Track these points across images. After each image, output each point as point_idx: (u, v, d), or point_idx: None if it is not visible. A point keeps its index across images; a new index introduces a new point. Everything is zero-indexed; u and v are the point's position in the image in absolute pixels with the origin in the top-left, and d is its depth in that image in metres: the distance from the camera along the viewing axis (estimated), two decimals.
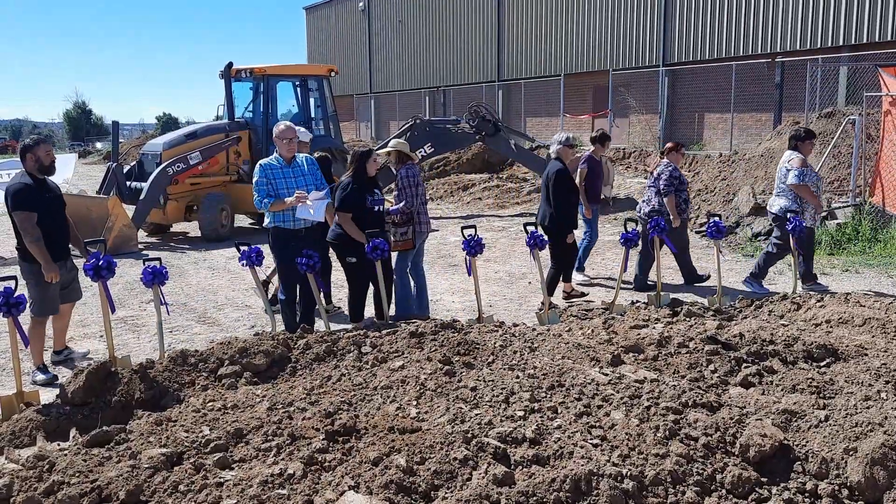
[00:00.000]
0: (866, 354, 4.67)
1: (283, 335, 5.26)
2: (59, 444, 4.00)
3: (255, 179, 6.09)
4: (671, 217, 8.17)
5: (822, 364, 4.57)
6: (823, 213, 11.09)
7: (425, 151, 14.49)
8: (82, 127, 69.92)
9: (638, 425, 3.47)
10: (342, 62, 35.88)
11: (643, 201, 8.65)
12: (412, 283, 6.98)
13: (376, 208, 6.39)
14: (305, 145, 8.05)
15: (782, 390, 4.12)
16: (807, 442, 3.46)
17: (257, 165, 6.15)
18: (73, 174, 14.53)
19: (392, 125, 31.97)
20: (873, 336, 5.14)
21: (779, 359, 4.58)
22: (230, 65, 13.25)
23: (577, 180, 8.83)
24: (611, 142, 9.88)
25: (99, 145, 52.95)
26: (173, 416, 3.92)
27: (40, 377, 5.74)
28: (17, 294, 4.75)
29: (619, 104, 22.23)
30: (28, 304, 5.33)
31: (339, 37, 38.96)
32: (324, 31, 40.43)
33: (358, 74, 37.11)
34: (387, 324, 6.03)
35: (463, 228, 6.54)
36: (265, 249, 6.16)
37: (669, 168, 8.34)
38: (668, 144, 8.81)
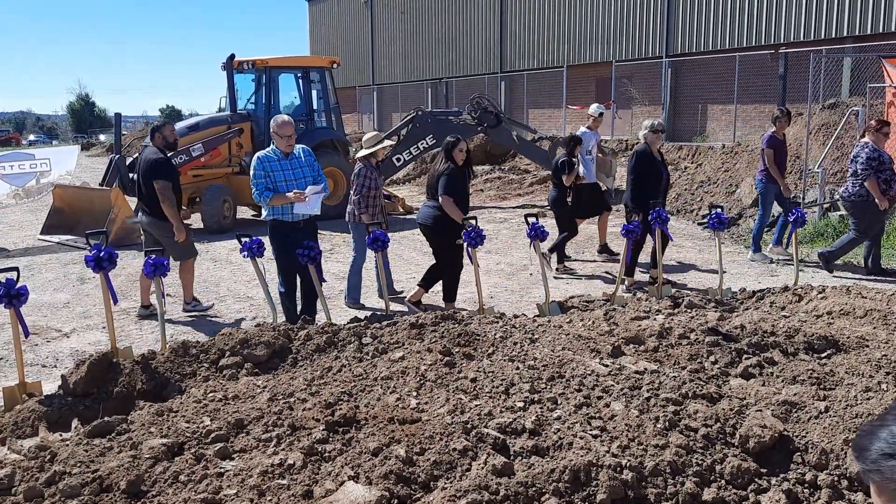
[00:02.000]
0: (867, 346, 4.66)
1: (283, 326, 5.27)
2: (60, 435, 4.01)
3: (252, 173, 6.05)
4: (877, 200, 8.10)
5: (822, 355, 4.56)
6: (826, 205, 11.08)
7: (427, 143, 14.47)
8: (85, 119, 70.01)
9: (638, 416, 3.47)
10: (344, 54, 35.80)
11: (848, 182, 8.60)
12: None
13: (469, 191, 6.95)
14: (597, 121, 9.95)
15: (783, 381, 4.12)
16: (806, 433, 3.46)
17: (254, 158, 6.11)
18: (75, 166, 14.53)
19: (394, 117, 31.93)
20: (874, 327, 5.13)
21: (779, 350, 4.58)
22: (232, 57, 13.23)
23: (767, 162, 8.91)
24: (790, 119, 9.70)
25: (102, 137, 53.01)
26: (174, 407, 3.93)
27: (200, 307, 7.38)
28: (18, 285, 4.76)
29: (621, 95, 22.17)
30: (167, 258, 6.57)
31: (341, 28, 38.87)
32: (326, 23, 40.33)
33: (360, 66, 37.03)
34: (388, 315, 6.04)
35: (464, 220, 6.54)
36: (266, 241, 6.17)
37: (866, 149, 8.17)
38: (871, 122, 8.60)
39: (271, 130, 6.13)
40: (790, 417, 3.60)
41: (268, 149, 6.19)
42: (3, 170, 12.96)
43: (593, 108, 10.08)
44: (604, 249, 9.85)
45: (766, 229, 9.66)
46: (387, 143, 7.84)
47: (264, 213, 6.24)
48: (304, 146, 6.39)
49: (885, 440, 0.98)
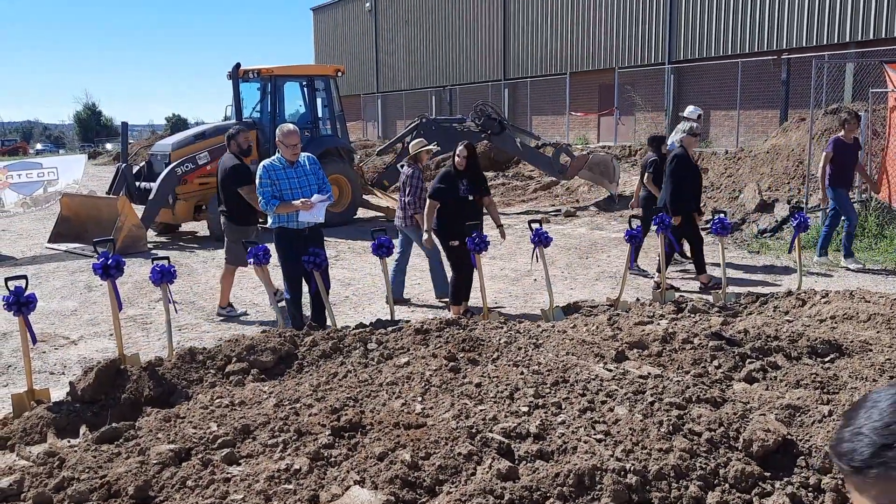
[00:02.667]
0: (871, 350, 4.67)
1: (289, 332, 5.30)
2: (69, 441, 4.05)
3: (258, 181, 6.11)
4: None
5: (826, 359, 4.57)
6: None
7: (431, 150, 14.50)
8: (92, 128, 70.22)
9: (641, 420, 3.49)
10: (349, 62, 35.95)
11: None
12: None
13: (469, 197, 6.86)
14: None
15: (786, 386, 4.13)
16: (810, 437, 3.47)
17: (260, 167, 6.15)
18: (82, 175, 14.61)
19: (399, 124, 32.00)
20: (878, 332, 5.14)
21: (783, 354, 4.59)
22: (238, 66, 13.30)
23: (822, 163, 8.95)
24: (859, 122, 9.41)
25: (108, 146, 53.17)
26: (182, 413, 3.96)
27: (234, 313, 7.55)
28: (27, 293, 4.80)
29: (624, 102, 22.22)
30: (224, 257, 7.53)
31: (345, 37, 39.03)
32: (331, 32, 40.50)
33: (364, 74, 37.18)
34: (393, 321, 6.07)
35: (468, 225, 6.57)
36: (272, 248, 6.21)
37: None
38: None
39: (277, 139, 6.17)
40: (794, 421, 3.61)
41: (273, 157, 6.23)
42: (11, 179, 13.06)
43: (690, 109, 9.58)
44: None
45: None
46: (431, 147, 8.14)
47: (270, 220, 6.27)
48: (309, 154, 6.42)
49: (878, 433, 0.99)
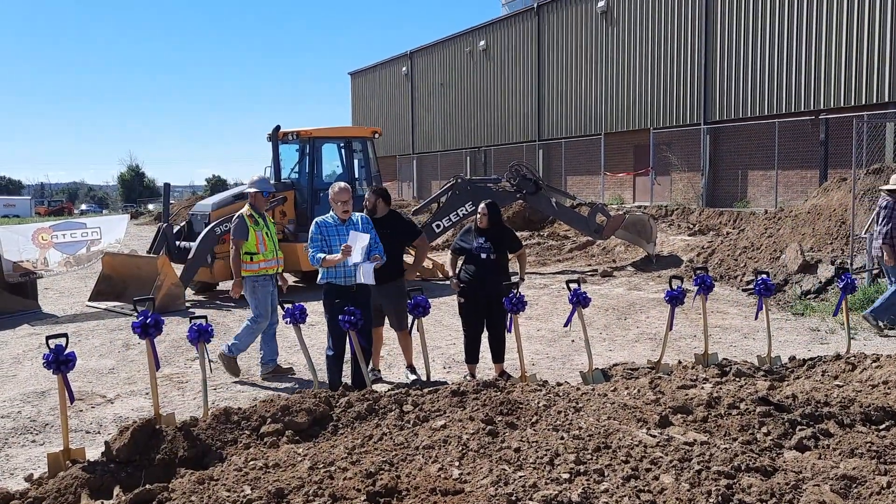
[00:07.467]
0: None
1: (324, 393, 5.25)
2: (102, 503, 4.01)
3: (310, 236, 6.31)
4: None
5: (881, 427, 4.37)
6: (875, 271, 10.80)
7: (466, 209, 14.59)
8: (135, 189, 72.40)
9: (689, 490, 3.34)
10: (385, 124, 36.70)
11: None
12: None
13: (482, 255, 6.80)
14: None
15: (840, 454, 3.95)
16: None
17: (313, 223, 6.38)
18: (124, 234, 14.95)
19: (434, 184, 32.37)
20: None
21: (835, 421, 4.41)
22: (277, 128, 13.63)
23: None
24: None
25: (150, 206, 54.75)
26: (215, 475, 3.91)
27: (412, 377, 7.14)
28: (67, 351, 4.84)
29: (660, 162, 22.20)
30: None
31: (382, 100, 39.92)
32: (368, 95, 41.49)
33: (400, 136, 37.85)
34: (429, 382, 6.00)
35: (504, 286, 6.52)
36: (309, 307, 6.23)
37: None
38: None
39: (329, 197, 6.39)
40: (850, 493, 3.43)
41: (327, 214, 6.45)
42: (56, 238, 13.38)
43: None
44: None
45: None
46: None
47: (320, 275, 6.37)
48: (363, 214, 6.61)
49: None
